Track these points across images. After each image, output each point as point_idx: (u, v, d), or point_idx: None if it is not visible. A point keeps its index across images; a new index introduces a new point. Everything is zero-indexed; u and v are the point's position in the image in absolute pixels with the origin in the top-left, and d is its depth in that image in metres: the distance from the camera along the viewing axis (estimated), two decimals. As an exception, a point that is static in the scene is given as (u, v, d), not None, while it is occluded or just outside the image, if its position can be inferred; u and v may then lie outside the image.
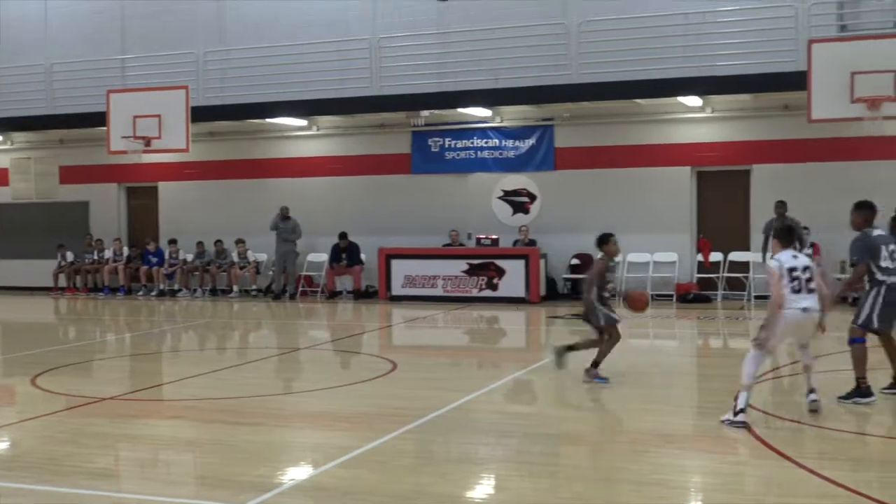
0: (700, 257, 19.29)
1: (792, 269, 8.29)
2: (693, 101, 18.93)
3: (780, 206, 16.51)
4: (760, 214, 18.68)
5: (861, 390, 8.79)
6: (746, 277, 18.75)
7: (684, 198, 19.63)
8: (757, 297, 18.44)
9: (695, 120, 19.62)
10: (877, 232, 9.06)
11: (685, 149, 19.62)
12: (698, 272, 19.37)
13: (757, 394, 8.32)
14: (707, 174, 19.75)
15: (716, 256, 19.16)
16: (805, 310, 8.19)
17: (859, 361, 8.81)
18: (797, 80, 16.27)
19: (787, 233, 8.66)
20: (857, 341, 8.91)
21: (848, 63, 15.50)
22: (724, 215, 19.51)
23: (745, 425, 7.91)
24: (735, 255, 19.08)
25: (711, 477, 6.92)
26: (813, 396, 8.47)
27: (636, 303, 10.74)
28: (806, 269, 8.31)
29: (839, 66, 15.51)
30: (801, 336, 8.47)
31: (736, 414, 8.00)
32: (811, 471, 6.66)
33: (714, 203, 19.71)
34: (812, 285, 8.26)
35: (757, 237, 18.69)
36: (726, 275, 19.06)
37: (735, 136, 19.35)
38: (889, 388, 9.17)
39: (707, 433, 8.20)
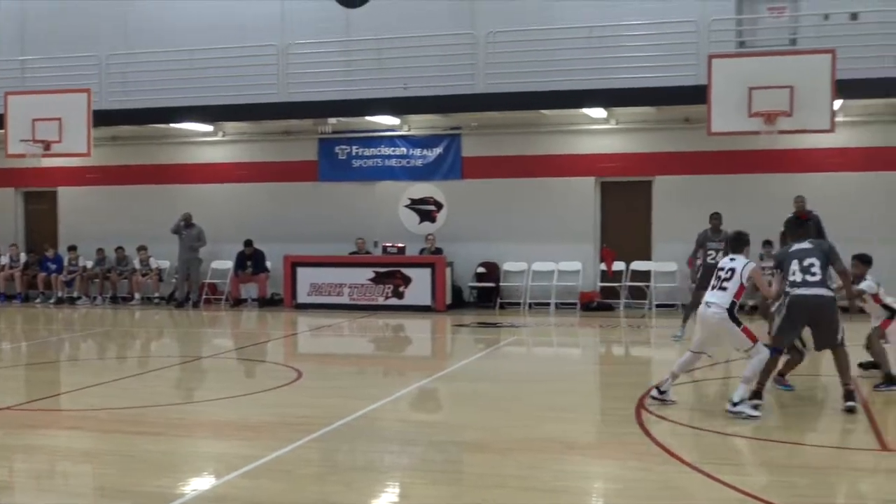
0: (603, 266, 19.60)
1: (719, 270, 9.11)
2: (597, 112, 19.23)
3: (715, 217, 16.21)
4: (662, 224, 19.11)
5: (755, 393, 9.07)
6: (648, 287, 19.11)
7: (588, 208, 19.92)
8: (658, 306, 18.82)
9: (599, 131, 19.91)
10: (796, 246, 9.34)
11: (589, 159, 19.89)
12: (601, 281, 19.65)
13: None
14: (610, 185, 20.06)
15: (618, 266, 19.47)
16: (706, 304, 8.80)
17: (765, 370, 9.08)
18: (698, 94, 16.58)
19: (731, 240, 9.66)
20: (771, 351, 9.15)
21: (746, 78, 15.88)
22: (626, 225, 19.83)
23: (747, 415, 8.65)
24: (637, 265, 19.42)
25: (613, 483, 7.03)
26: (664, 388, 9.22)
27: None
28: (730, 270, 8.83)
29: (738, 80, 15.89)
30: (708, 332, 9.07)
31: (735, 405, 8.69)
32: (710, 476, 6.81)
33: (617, 213, 20.03)
34: (726, 284, 8.81)
35: (659, 247, 19.17)
36: (629, 284, 19.39)
37: (638, 148, 19.70)
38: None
39: (609, 440, 8.36)
